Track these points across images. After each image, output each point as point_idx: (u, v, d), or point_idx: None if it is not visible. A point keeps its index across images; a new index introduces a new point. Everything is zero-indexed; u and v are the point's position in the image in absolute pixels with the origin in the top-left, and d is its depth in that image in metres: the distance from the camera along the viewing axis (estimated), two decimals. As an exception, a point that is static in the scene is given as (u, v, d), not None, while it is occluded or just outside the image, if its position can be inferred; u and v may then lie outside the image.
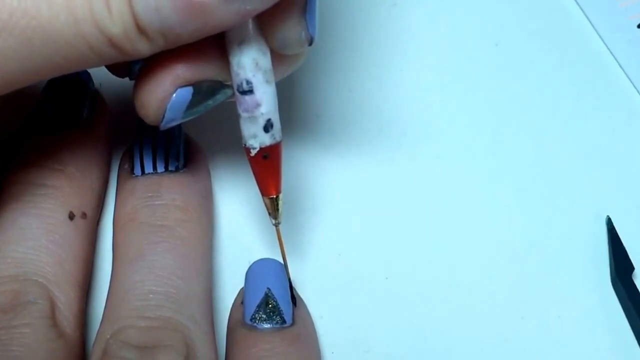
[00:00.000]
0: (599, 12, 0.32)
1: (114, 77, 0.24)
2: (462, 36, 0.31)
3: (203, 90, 0.22)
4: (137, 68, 0.22)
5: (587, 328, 0.27)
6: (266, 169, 0.22)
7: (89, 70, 0.27)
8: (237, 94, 0.21)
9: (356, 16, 0.31)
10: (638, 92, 0.30)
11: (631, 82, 0.30)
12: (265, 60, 0.21)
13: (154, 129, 0.25)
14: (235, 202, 0.28)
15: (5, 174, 0.25)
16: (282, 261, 0.25)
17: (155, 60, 0.20)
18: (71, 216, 0.24)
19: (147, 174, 0.25)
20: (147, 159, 0.25)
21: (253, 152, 0.22)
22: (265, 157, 0.22)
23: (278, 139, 0.22)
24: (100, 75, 0.27)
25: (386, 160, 0.29)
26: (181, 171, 0.25)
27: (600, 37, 0.31)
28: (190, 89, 0.21)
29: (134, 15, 0.18)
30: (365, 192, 0.28)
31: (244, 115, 0.21)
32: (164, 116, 0.22)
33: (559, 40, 0.32)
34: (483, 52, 0.31)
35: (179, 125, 0.26)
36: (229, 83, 0.22)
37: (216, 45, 0.21)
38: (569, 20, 0.32)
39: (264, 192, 0.23)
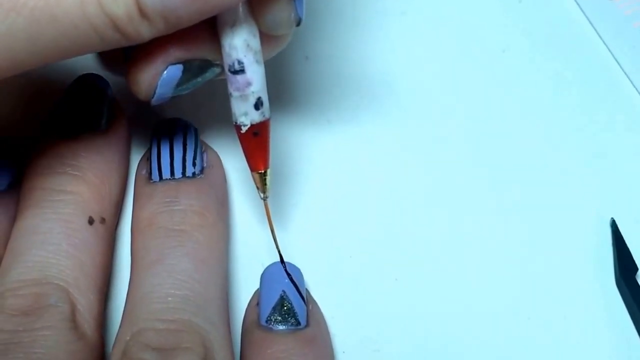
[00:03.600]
0: (603, 20, 0.32)
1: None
2: (471, 43, 0.32)
3: (193, 69, 0.23)
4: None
5: (592, 328, 0.27)
6: (256, 145, 0.23)
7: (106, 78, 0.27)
8: (229, 73, 0.22)
9: (367, 24, 0.32)
10: (641, 96, 0.31)
11: (635, 87, 0.31)
12: (256, 42, 0.22)
13: (171, 135, 0.26)
14: (249, 206, 0.28)
15: (25, 180, 0.25)
16: (278, 249, 0.25)
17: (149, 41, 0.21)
18: (91, 221, 0.24)
19: (164, 180, 0.25)
20: (164, 165, 0.26)
21: (244, 129, 0.23)
22: (255, 134, 0.23)
23: (267, 116, 0.23)
24: (116, 82, 0.27)
25: (394, 163, 0.29)
26: (198, 177, 0.26)
27: (604, 43, 0.32)
28: (180, 67, 0.22)
29: None
30: (376, 196, 0.29)
31: (235, 94, 0.22)
32: (154, 92, 0.23)
33: (565, 47, 0.32)
34: (491, 58, 0.32)
35: (196, 132, 0.27)
36: (217, 62, 0.23)
37: (206, 26, 0.22)
38: (574, 27, 0.32)
39: (253, 167, 0.24)
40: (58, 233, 0.23)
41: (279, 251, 0.25)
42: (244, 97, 0.22)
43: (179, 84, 0.23)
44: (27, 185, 0.25)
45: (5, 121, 0.28)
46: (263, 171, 0.24)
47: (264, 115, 0.23)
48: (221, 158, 0.27)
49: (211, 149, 0.27)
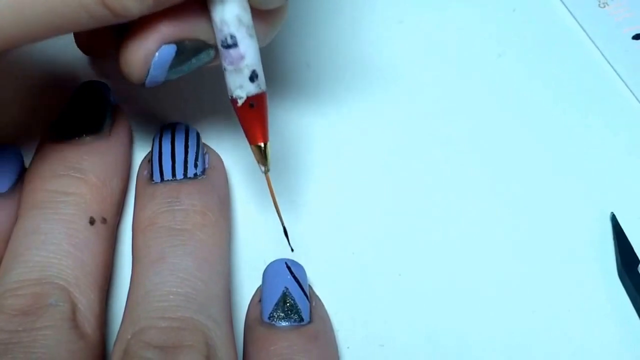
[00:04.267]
0: (595, 26, 0.33)
1: (131, 85, 0.24)
2: (466, 48, 0.32)
3: (187, 49, 0.22)
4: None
5: (596, 320, 0.27)
6: (253, 117, 0.23)
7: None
8: (222, 49, 0.22)
9: (364, 33, 0.32)
10: (635, 97, 0.31)
11: (629, 88, 0.32)
12: (247, 16, 0.22)
13: (173, 137, 0.26)
14: (251, 207, 0.28)
15: (27, 182, 0.25)
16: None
17: (139, 19, 0.21)
18: (92, 222, 0.24)
19: (166, 181, 0.25)
20: (166, 166, 0.26)
21: (240, 102, 0.22)
22: (251, 106, 0.22)
23: (263, 88, 0.23)
24: (119, 90, 0.27)
25: (397, 161, 0.30)
26: (200, 177, 0.26)
27: (598, 48, 0.32)
28: (173, 47, 0.22)
29: None
30: (378, 191, 0.29)
31: (229, 68, 0.22)
32: (148, 73, 0.22)
33: (559, 52, 0.32)
34: (486, 63, 0.32)
35: (198, 134, 0.27)
36: (211, 43, 0.22)
37: (198, 3, 0.21)
38: (567, 33, 0.33)
39: (251, 140, 0.23)
40: (59, 233, 0.23)
41: (282, 224, 0.25)
42: (238, 71, 0.22)
43: (173, 65, 0.23)
44: (29, 187, 0.25)
45: (9, 126, 0.28)
46: (262, 144, 0.24)
47: (260, 88, 0.22)
48: (223, 159, 0.27)
49: (213, 151, 0.27)
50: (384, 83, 0.31)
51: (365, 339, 0.26)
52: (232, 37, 0.22)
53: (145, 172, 0.26)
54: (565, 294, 0.27)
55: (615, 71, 0.32)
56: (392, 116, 0.31)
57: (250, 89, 0.22)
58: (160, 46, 0.22)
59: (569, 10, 0.33)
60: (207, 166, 0.26)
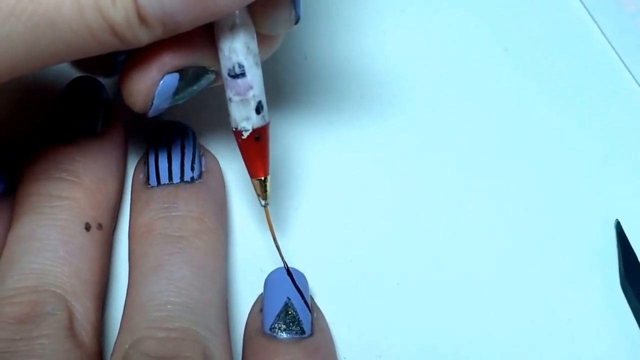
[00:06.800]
0: (607, 18, 0.32)
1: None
2: (472, 41, 0.32)
3: (188, 77, 0.22)
4: (121, 60, 0.22)
5: (597, 331, 0.27)
6: (257, 150, 0.23)
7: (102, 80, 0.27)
8: (229, 78, 0.22)
9: (365, 23, 0.31)
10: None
11: (639, 86, 0.31)
12: (254, 44, 0.22)
13: (169, 138, 0.26)
14: (248, 210, 0.28)
15: (20, 186, 0.25)
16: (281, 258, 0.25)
17: (142, 48, 0.21)
18: (87, 227, 0.24)
19: (162, 185, 0.25)
20: (162, 169, 0.25)
21: (245, 135, 0.22)
22: (257, 139, 0.23)
23: (267, 119, 0.23)
24: (112, 84, 0.27)
25: (395, 166, 0.29)
26: (197, 182, 0.25)
27: (608, 41, 0.31)
28: (176, 75, 0.22)
29: (136, 3, 0.18)
30: (376, 199, 0.28)
31: (235, 99, 0.22)
32: (152, 103, 0.22)
33: (568, 45, 0.32)
34: (492, 57, 0.31)
35: (194, 135, 0.26)
36: (212, 68, 0.23)
37: (201, 31, 0.21)
38: (578, 25, 0.32)
39: (253, 174, 0.24)
40: (54, 239, 0.23)
41: (282, 259, 0.25)
42: (245, 102, 0.22)
43: (176, 93, 0.23)
44: (22, 191, 0.24)
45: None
46: (263, 178, 0.24)
47: (264, 119, 0.23)
48: (220, 162, 0.27)
49: (209, 153, 0.27)
50: (384, 76, 0.30)
51: (363, 349, 0.26)
52: (241, 66, 0.21)
53: (142, 176, 0.26)
54: (565, 304, 0.27)
55: (627, 67, 0.31)
56: (391, 112, 0.30)
57: (256, 121, 0.22)
58: (163, 76, 0.22)
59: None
60: (203, 169, 0.26)
